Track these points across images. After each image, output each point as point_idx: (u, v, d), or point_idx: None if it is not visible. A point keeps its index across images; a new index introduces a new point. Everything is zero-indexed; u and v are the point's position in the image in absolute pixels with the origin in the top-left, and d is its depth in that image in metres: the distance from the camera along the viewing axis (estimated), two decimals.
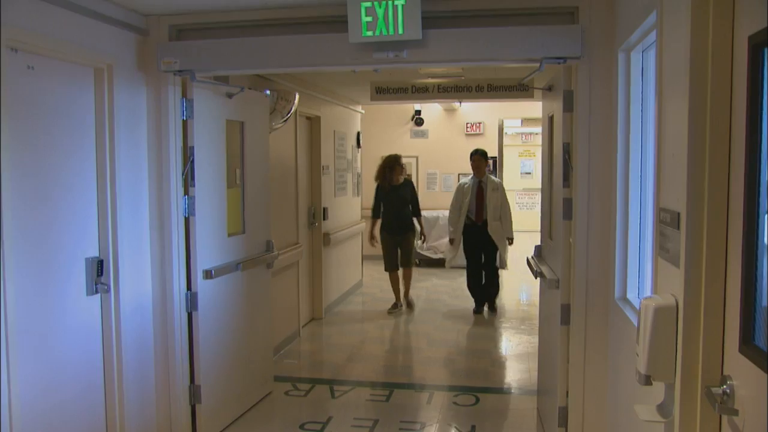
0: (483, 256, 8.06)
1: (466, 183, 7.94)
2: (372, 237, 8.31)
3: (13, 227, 3.06)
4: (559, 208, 3.93)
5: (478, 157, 7.90)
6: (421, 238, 8.63)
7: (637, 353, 2.27)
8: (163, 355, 4.25)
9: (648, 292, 2.78)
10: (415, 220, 8.24)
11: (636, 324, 2.36)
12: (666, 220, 2.31)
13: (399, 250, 8.19)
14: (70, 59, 3.56)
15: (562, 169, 3.84)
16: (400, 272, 8.31)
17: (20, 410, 3.11)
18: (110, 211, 3.79)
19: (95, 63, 3.73)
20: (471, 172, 8.02)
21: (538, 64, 3.74)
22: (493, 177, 8.15)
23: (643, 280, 3.33)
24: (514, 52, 3.73)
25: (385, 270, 8.29)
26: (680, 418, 2.08)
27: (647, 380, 2.21)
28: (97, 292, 3.76)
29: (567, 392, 3.88)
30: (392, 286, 8.36)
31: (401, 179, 8.14)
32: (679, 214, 2.14)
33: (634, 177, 3.38)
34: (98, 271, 3.73)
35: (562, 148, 3.84)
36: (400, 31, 3.61)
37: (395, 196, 8.05)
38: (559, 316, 3.86)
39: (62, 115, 3.51)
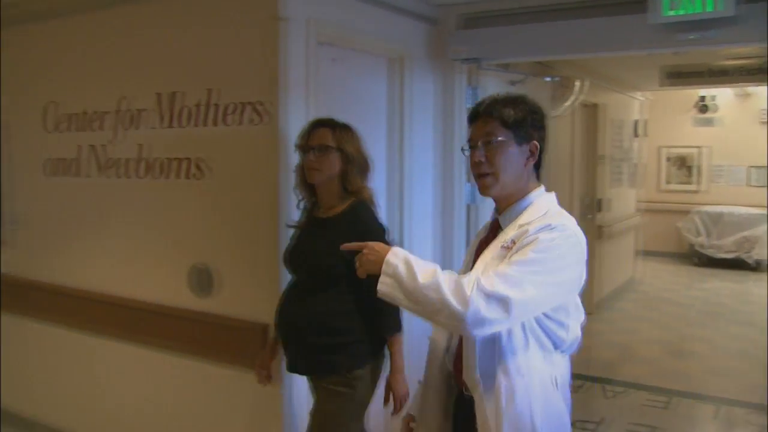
0: None
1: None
2: (262, 364, 2.98)
3: None
4: None
5: (486, 120, 1.98)
6: (386, 401, 2.74)
7: None
8: None
9: None
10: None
11: None
12: None
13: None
14: (367, 50, 3.75)
15: None
16: None
17: None
18: (398, 194, 3.95)
19: (389, 53, 3.89)
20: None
21: None
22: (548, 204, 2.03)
23: None
24: None
25: None
26: None
27: None
28: None
29: None
30: None
31: (335, 201, 2.71)
32: None
33: None
34: None
35: None
36: (709, 7, 3.27)
37: (308, 251, 2.70)
38: None
39: (357, 103, 3.71)
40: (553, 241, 1.84)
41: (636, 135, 9.19)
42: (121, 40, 3.71)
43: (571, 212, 6.01)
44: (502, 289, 1.75)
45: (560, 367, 2.01)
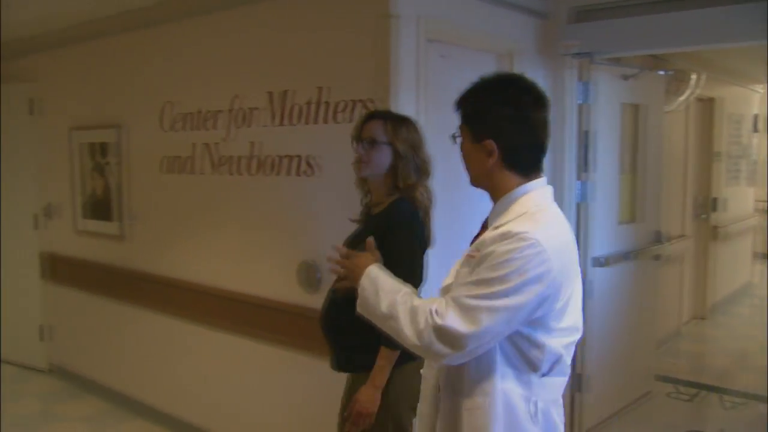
0: None
1: None
2: None
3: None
4: None
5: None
6: (347, 412, 2.47)
7: None
8: None
9: None
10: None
11: None
12: None
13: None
14: (476, 47, 3.68)
15: None
16: None
17: None
18: None
19: (498, 49, 3.81)
20: None
21: None
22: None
23: None
24: None
25: None
26: None
27: None
28: None
29: None
30: None
31: (383, 198, 2.57)
32: None
33: None
34: None
35: None
36: None
37: (351, 246, 2.36)
38: None
39: None
40: (509, 254, 1.57)
41: (756, 130, 8.69)
42: (234, 41, 3.81)
43: (683, 212, 5.58)
44: (452, 322, 1.59)
45: (542, 391, 1.72)
